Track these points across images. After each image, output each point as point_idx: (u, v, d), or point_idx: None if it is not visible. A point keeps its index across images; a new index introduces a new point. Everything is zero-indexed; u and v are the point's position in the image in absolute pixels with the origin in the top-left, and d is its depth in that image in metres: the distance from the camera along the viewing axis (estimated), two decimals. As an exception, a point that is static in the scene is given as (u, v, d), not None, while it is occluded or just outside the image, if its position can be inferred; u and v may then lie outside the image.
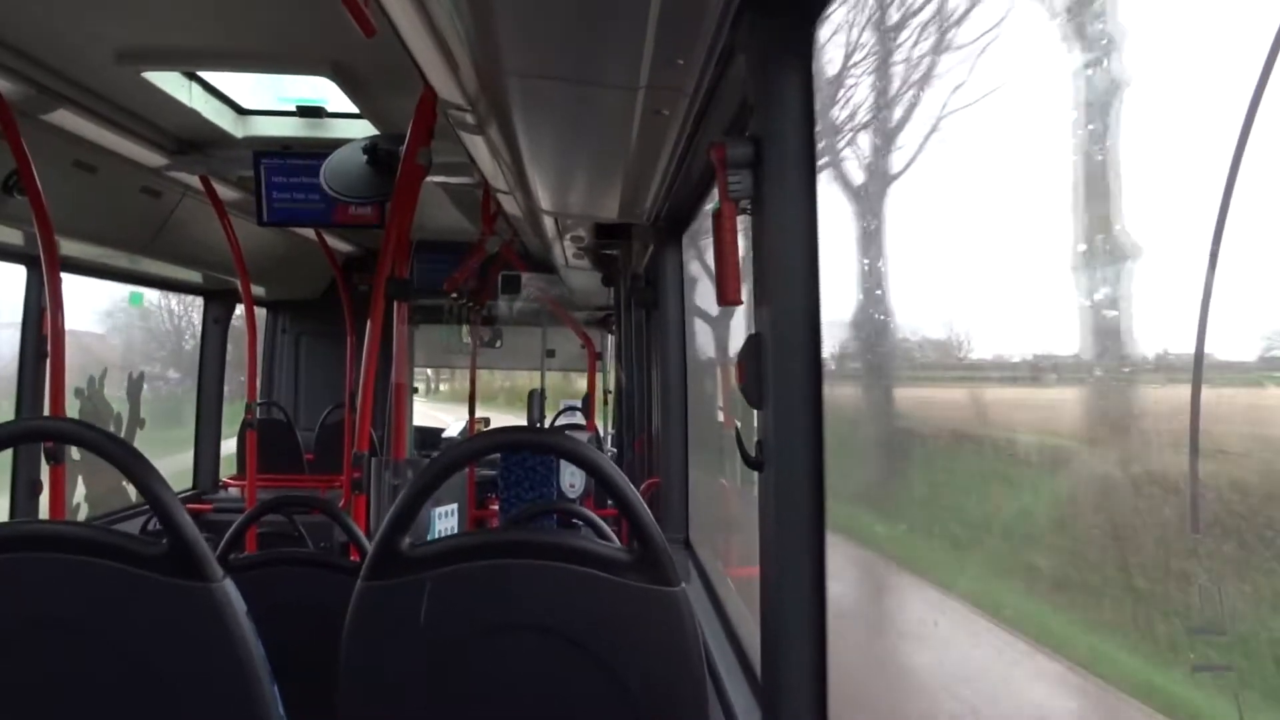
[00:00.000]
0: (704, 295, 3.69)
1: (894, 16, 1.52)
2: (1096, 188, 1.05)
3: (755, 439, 1.51)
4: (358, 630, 1.45)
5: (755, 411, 1.53)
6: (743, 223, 1.57)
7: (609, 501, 5.28)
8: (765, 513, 1.50)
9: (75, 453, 4.24)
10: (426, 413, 10.94)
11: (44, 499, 3.70)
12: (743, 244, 1.58)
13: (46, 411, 3.55)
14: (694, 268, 3.69)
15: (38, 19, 2.73)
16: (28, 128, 3.08)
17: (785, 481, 1.43)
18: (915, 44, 1.45)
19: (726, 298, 1.55)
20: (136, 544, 1.45)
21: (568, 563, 1.44)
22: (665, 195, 3.06)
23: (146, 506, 5.02)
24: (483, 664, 1.44)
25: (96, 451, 1.47)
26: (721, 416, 3.52)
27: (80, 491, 5.16)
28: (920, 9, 1.44)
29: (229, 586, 1.44)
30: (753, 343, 1.49)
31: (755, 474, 1.55)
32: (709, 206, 3.07)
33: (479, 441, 1.65)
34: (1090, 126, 1.04)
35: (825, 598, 1.44)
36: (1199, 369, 0.81)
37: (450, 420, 10.72)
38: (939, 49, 1.37)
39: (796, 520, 1.42)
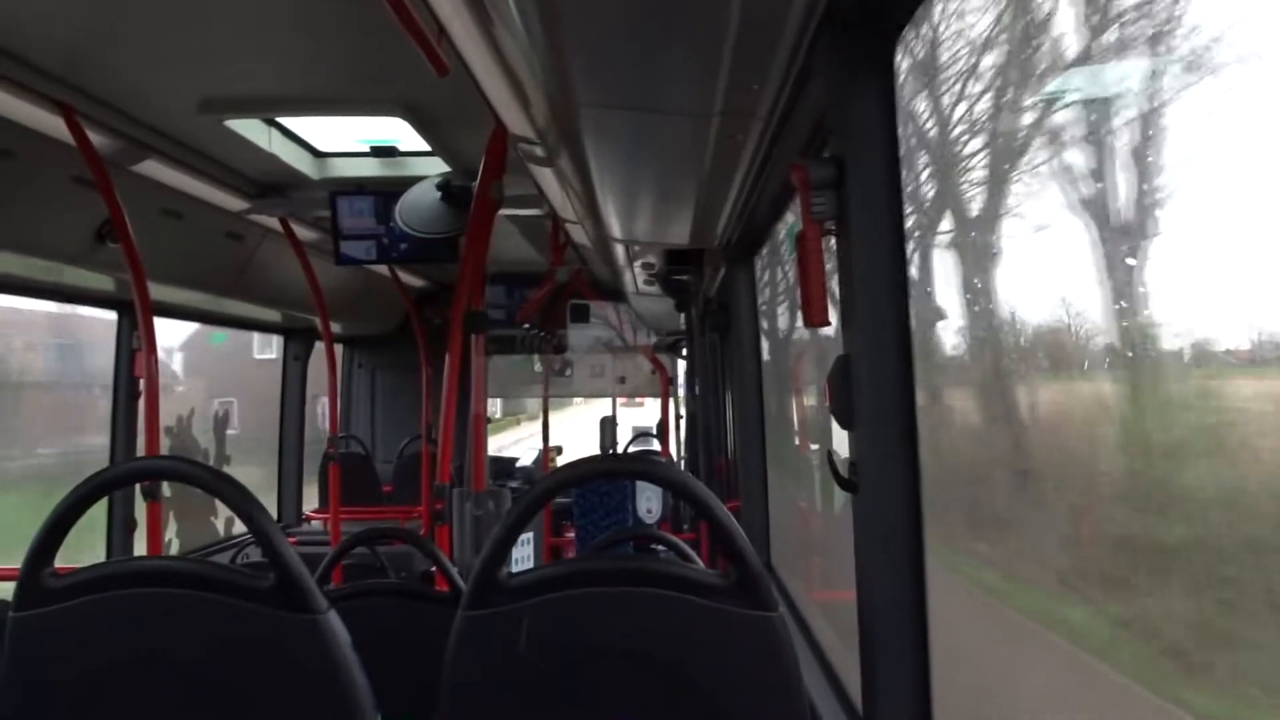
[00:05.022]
0: (778, 318, 3.67)
1: (977, 32, 1.51)
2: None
3: (849, 460, 1.49)
4: (459, 659, 1.46)
5: (846, 433, 1.52)
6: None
7: (685, 526, 5.27)
8: (861, 535, 1.48)
9: (167, 489, 4.37)
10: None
11: (139, 536, 3.81)
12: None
13: (141, 451, 3.66)
14: (765, 289, 3.68)
15: (124, 75, 2.85)
16: (118, 178, 3.21)
17: (881, 503, 1.41)
18: (1000, 59, 1.43)
19: (813, 319, 1.54)
20: (244, 578, 1.48)
21: (663, 589, 1.43)
22: (737, 219, 3.06)
23: (233, 542, 5.15)
24: (582, 692, 1.44)
25: (204, 487, 1.51)
26: (797, 441, 3.49)
27: (172, 528, 5.31)
28: (1005, 25, 1.43)
29: (333, 617, 1.46)
30: (841, 364, 1.48)
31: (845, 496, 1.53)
32: (782, 229, 3.07)
33: (568, 472, 1.65)
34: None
35: (927, 621, 1.41)
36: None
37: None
38: (1023, 64, 1.35)
39: (894, 543, 1.40)
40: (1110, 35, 1.21)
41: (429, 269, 6.19)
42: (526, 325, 6.23)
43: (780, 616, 1.42)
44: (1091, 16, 1.25)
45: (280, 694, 1.44)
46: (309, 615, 1.44)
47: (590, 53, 1.77)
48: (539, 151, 2.70)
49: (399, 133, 3.66)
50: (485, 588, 1.45)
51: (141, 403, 3.46)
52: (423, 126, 3.40)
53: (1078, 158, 1.30)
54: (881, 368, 1.41)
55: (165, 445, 5.57)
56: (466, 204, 3.36)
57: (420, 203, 3.66)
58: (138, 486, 3.53)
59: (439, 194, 3.61)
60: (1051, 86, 1.33)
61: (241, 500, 1.50)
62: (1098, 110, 1.23)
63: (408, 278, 6.34)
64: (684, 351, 7.06)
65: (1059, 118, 1.33)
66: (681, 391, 7.46)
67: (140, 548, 3.79)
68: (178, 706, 1.44)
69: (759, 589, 1.41)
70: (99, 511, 4.16)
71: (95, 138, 3.03)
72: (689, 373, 6.63)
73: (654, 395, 7.54)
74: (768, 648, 1.41)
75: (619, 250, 4.13)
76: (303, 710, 1.44)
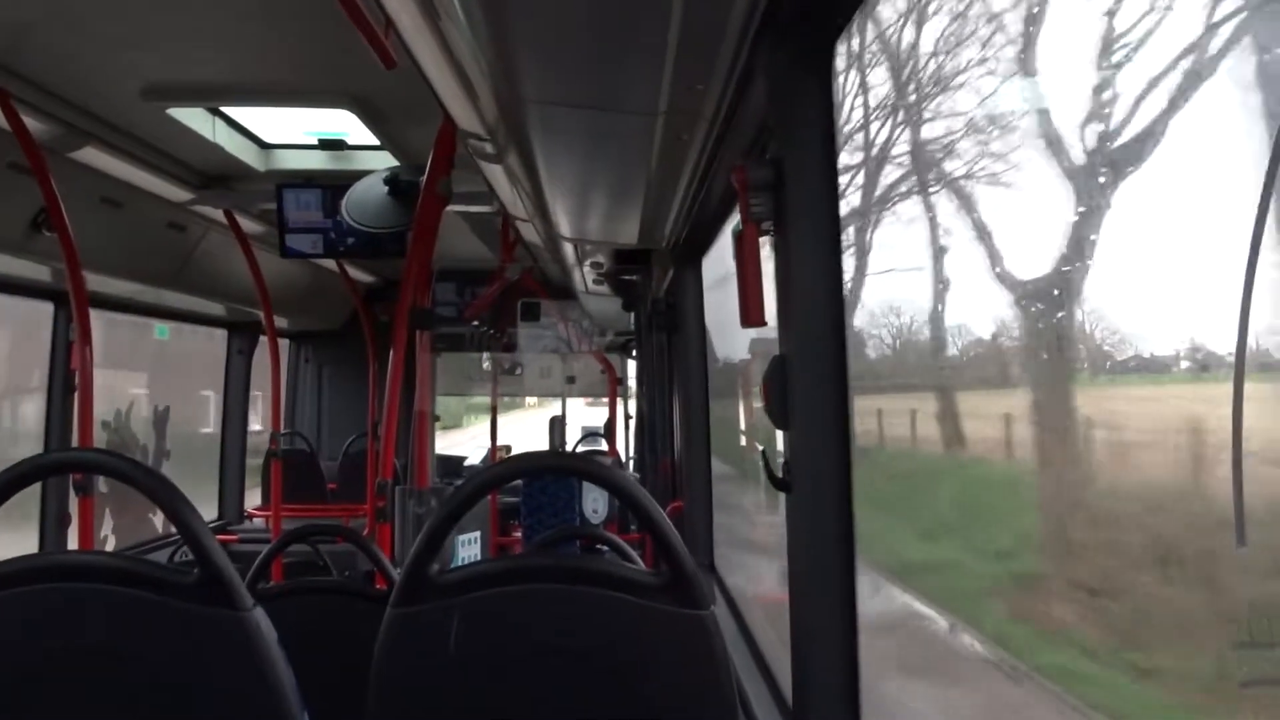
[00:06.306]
0: (726, 318, 3.68)
1: (913, 35, 1.53)
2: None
3: (782, 460, 1.51)
4: (388, 657, 1.44)
5: (780, 432, 1.53)
6: (764, 244, 1.57)
7: (632, 526, 5.28)
8: (794, 533, 1.50)
9: (103, 485, 4.27)
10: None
11: (72, 531, 3.73)
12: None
13: (75, 444, 3.58)
14: (714, 290, 3.69)
15: (65, 58, 2.78)
16: (56, 165, 3.13)
17: (813, 502, 1.43)
18: (938, 61, 1.45)
19: (750, 319, 1.55)
20: (168, 573, 1.45)
21: (596, 586, 1.43)
22: (684, 219, 3.07)
23: (172, 539, 5.06)
24: (512, 690, 1.44)
25: (128, 481, 1.48)
26: (744, 441, 3.51)
27: (107, 524, 5.20)
28: (939, 30, 1.45)
29: (259, 615, 1.44)
30: (777, 364, 1.49)
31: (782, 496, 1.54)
32: (729, 230, 3.08)
33: (505, 466, 1.65)
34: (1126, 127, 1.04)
35: (856, 618, 1.42)
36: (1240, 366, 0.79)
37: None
38: (962, 65, 1.37)
39: (826, 540, 1.42)
40: (1053, 39, 1.24)
41: (378, 264, 6.14)
42: (476, 323, 6.21)
43: (711, 615, 1.43)
44: (1031, 20, 1.27)
45: (203, 691, 1.42)
46: (233, 612, 1.42)
47: (537, 48, 1.77)
48: (488, 148, 2.69)
49: (347, 125, 3.62)
50: (415, 584, 1.44)
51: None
52: (371, 119, 3.37)
53: (1013, 161, 1.32)
54: (816, 368, 1.43)
55: (103, 440, 5.45)
56: (415, 199, 3.34)
57: (367, 197, 3.63)
58: (70, 481, 3.46)
59: (386, 188, 3.58)
60: (991, 91, 1.35)
61: (165, 494, 1.47)
62: (1036, 115, 1.25)
63: (356, 273, 6.28)
64: (634, 352, 7.08)
65: (996, 122, 1.35)
66: (633, 391, 7.48)
67: (74, 544, 3.71)
68: (97, 702, 1.41)
69: (691, 588, 1.42)
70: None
71: (32, 123, 2.96)
72: (638, 372, 6.64)
73: (604, 394, 7.55)
74: (699, 645, 1.42)
75: (568, 249, 4.12)
76: (228, 707, 1.42)
